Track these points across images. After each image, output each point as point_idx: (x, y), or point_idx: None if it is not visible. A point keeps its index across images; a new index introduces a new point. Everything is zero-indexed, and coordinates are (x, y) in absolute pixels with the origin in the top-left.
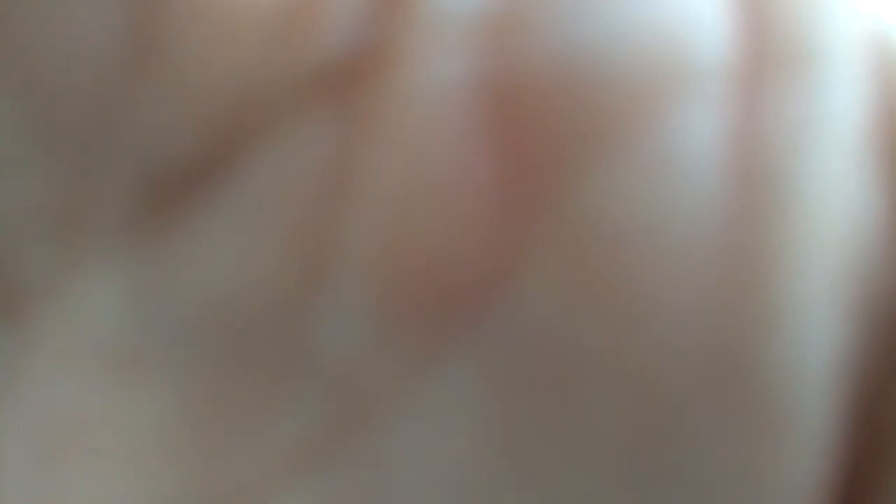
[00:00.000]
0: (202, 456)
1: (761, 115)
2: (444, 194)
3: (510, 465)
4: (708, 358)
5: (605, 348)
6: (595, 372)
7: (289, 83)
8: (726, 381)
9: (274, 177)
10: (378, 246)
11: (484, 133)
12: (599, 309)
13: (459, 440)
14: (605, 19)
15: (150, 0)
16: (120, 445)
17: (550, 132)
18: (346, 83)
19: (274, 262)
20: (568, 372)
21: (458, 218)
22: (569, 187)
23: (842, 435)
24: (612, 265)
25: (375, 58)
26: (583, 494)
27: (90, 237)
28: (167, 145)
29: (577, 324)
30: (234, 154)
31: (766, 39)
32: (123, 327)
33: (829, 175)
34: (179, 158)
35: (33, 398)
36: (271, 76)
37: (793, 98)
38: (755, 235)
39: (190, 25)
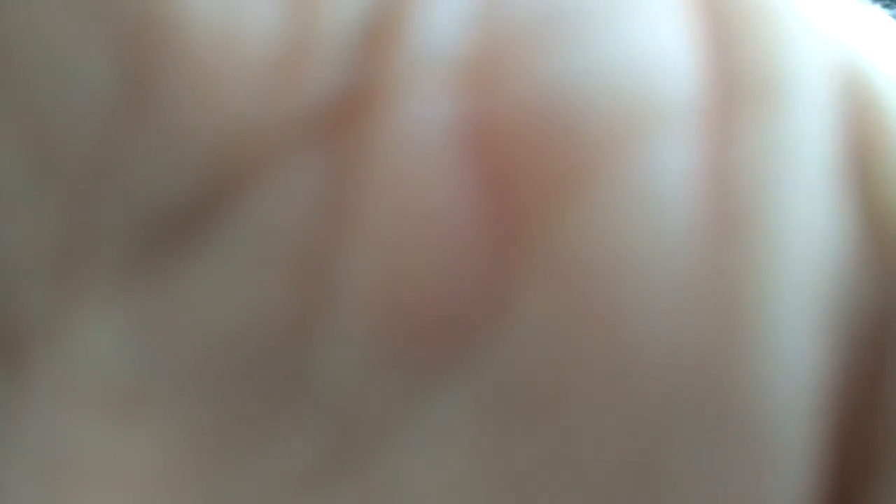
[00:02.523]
0: (206, 489)
1: (732, 147)
2: (436, 229)
3: (505, 490)
4: (690, 382)
5: (593, 375)
6: (585, 398)
7: (281, 126)
8: (708, 404)
9: (270, 215)
10: (374, 280)
11: (469, 172)
12: (587, 337)
13: (457, 467)
14: (580, 62)
15: (146, 47)
16: (124, 483)
17: (532, 170)
18: (336, 125)
19: (272, 298)
20: (559, 398)
21: (449, 253)
22: (552, 222)
23: (822, 453)
24: (596, 295)
25: (363, 101)
26: None
27: (89, 278)
28: (165, 187)
29: (567, 351)
30: (231, 195)
31: (734, 74)
32: (124, 366)
33: (801, 202)
34: (177, 199)
35: (36, 439)
36: (264, 120)
37: (762, 130)
38: (731, 263)
39: (185, 71)
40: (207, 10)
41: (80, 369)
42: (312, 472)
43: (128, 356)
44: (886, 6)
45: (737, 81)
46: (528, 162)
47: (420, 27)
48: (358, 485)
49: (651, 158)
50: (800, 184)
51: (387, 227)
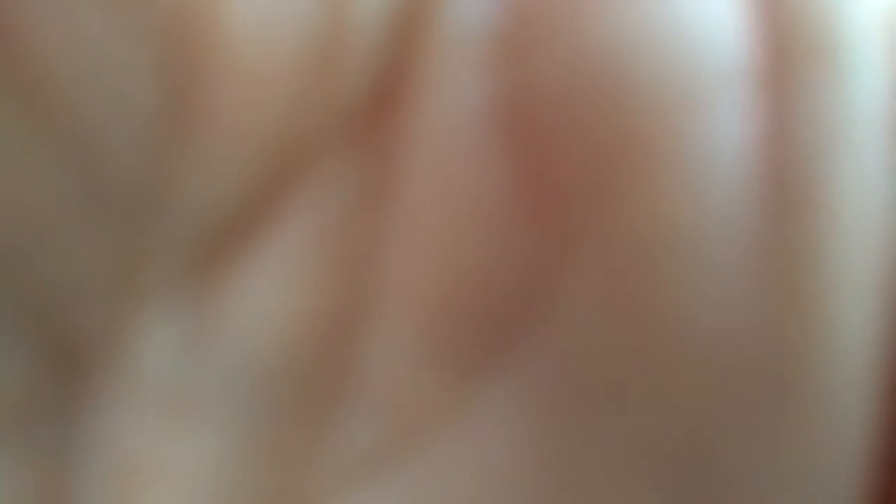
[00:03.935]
0: (262, 488)
1: (788, 113)
2: (479, 219)
3: (556, 480)
4: (748, 366)
5: (645, 361)
6: (637, 386)
7: (321, 123)
8: (769, 388)
9: (314, 216)
10: (418, 274)
11: (511, 154)
12: (639, 323)
13: (508, 457)
14: (623, 29)
15: (187, 59)
16: (183, 486)
17: (577, 149)
18: (374, 116)
19: (319, 298)
20: (610, 387)
21: (493, 243)
22: (600, 205)
23: (884, 433)
24: (649, 278)
25: (399, 88)
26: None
27: (145, 292)
28: (211, 197)
29: (618, 338)
30: (276, 199)
31: (787, 35)
32: (180, 374)
33: (861, 168)
34: (223, 208)
35: (99, 446)
36: (304, 118)
37: (818, 93)
38: (791, 240)
39: (226, 79)
40: (245, 16)
41: (139, 379)
42: (364, 467)
43: (183, 364)
44: None
45: (790, 42)
46: (572, 140)
47: (451, 7)
48: (410, 477)
49: (704, 130)
50: (859, 149)
51: (429, 220)
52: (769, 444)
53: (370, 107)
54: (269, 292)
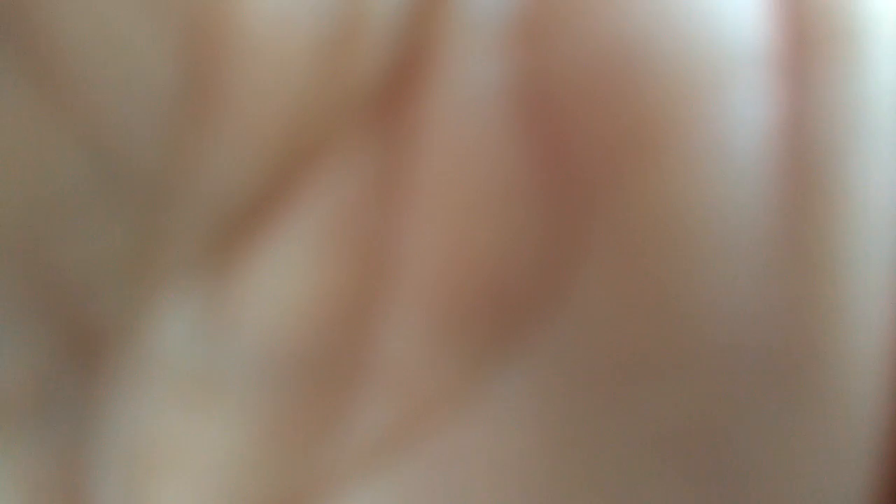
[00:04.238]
0: (277, 469)
1: (808, 97)
2: (495, 199)
3: (570, 464)
4: (766, 349)
5: (662, 346)
6: (653, 371)
7: (338, 109)
8: (785, 371)
9: (331, 200)
10: (434, 256)
11: (527, 136)
12: (656, 307)
13: (524, 440)
14: (642, 11)
15: (206, 39)
16: (200, 467)
17: (594, 131)
18: (390, 99)
19: (335, 282)
20: (626, 371)
21: (509, 225)
22: (618, 187)
23: None
24: (667, 261)
25: (416, 70)
26: (645, 490)
27: (161, 274)
28: (229, 179)
29: (636, 322)
30: (292, 183)
31: (807, 20)
32: (197, 356)
33: (880, 154)
34: (241, 192)
35: (118, 429)
36: (322, 99)
37: (838, 78)
38: (809, 220)
39: (244, 60)
40: (262, 1)
41: (156, 363)
42: (379, 449)
43: (200, 348)
44: None
45: (810, 27)
46: (590, 124)
47: None
48: (425, 460)
49: (723, 113)
50: (878, 134)
51: (445, 204)
52: (786, 429)
53: (387, 91)
54: (285, 276)
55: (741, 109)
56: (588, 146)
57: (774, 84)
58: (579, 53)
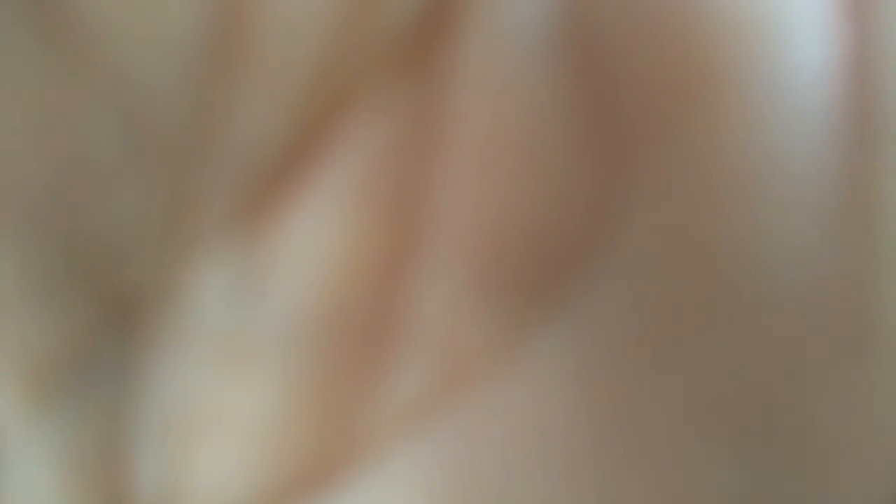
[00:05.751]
0: (316, 431)
1: (869, 39)
2: (537, 147)
3: (612, 426)
4: (825, 304)
5: (712, 304)
6: (702, 329)
7: (368, 55)
8: (844, 328)
9: (363, 151)
10: (469, 212)
11: (569, 81)
12: (706, 263)
13: (564, 399)
14: None
15: None
16: (238, 431)
17: (640, 74)
18: (423, 45)
19: (370, 238)
20: (677, 326)
21: (550, 176)
22: (668, 133)
23: None
24: (719, 215)
25: (448, 13)
26: (693, 454)
27: (195, 236)
28: (259, 135)
29: (686, 276)
30: (324, 135)
31: None
32: (232, 319)
33: None
34: (273, 145)
35: (155, 394)
36: (351, 46)
37: None
38: (871, 171)
39: (271, 12)
40: None
41: (192, 325)
42: (415, 411)
43: (236, 309)
44: None
45: None
46: (638, 64)
47: None
48: (461, 422)
49: (781, 56)
50: None
51: (482, 153)
52: (839, 393)
53: (419, 34)
54: (319, 233)
55: (800, 51)
56: (637, 88)
57: (835, 24)
58: None
